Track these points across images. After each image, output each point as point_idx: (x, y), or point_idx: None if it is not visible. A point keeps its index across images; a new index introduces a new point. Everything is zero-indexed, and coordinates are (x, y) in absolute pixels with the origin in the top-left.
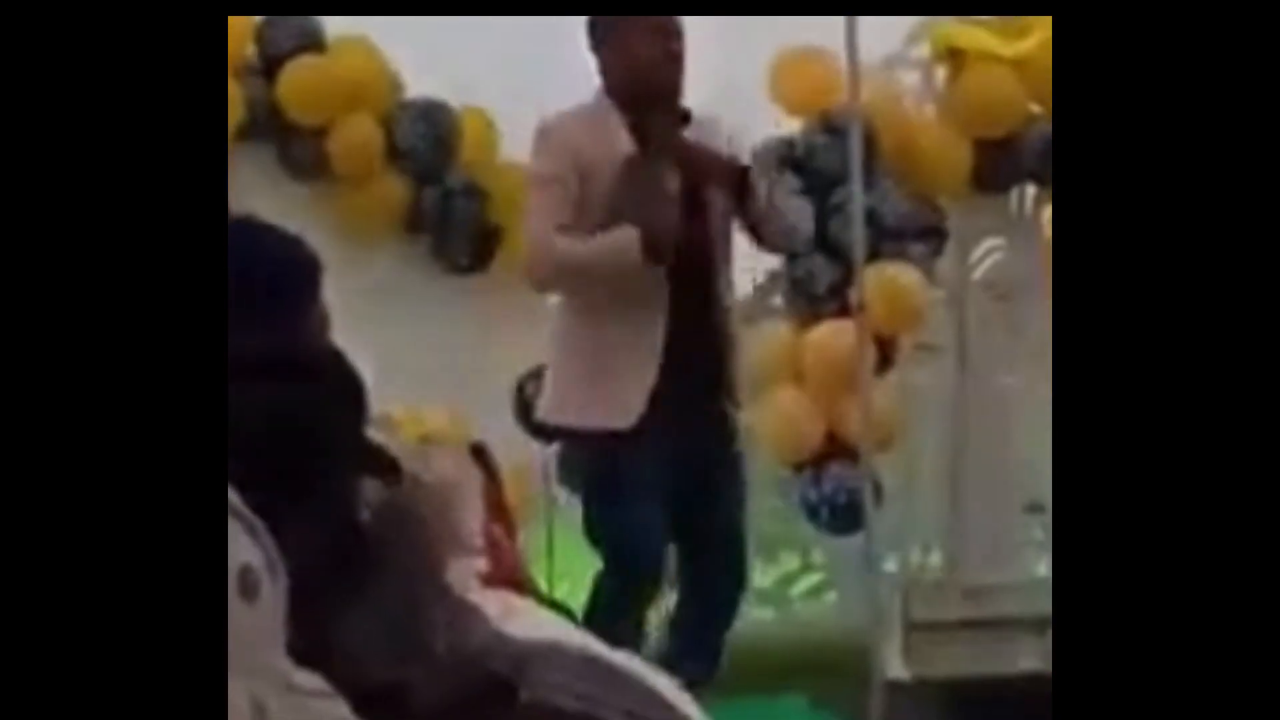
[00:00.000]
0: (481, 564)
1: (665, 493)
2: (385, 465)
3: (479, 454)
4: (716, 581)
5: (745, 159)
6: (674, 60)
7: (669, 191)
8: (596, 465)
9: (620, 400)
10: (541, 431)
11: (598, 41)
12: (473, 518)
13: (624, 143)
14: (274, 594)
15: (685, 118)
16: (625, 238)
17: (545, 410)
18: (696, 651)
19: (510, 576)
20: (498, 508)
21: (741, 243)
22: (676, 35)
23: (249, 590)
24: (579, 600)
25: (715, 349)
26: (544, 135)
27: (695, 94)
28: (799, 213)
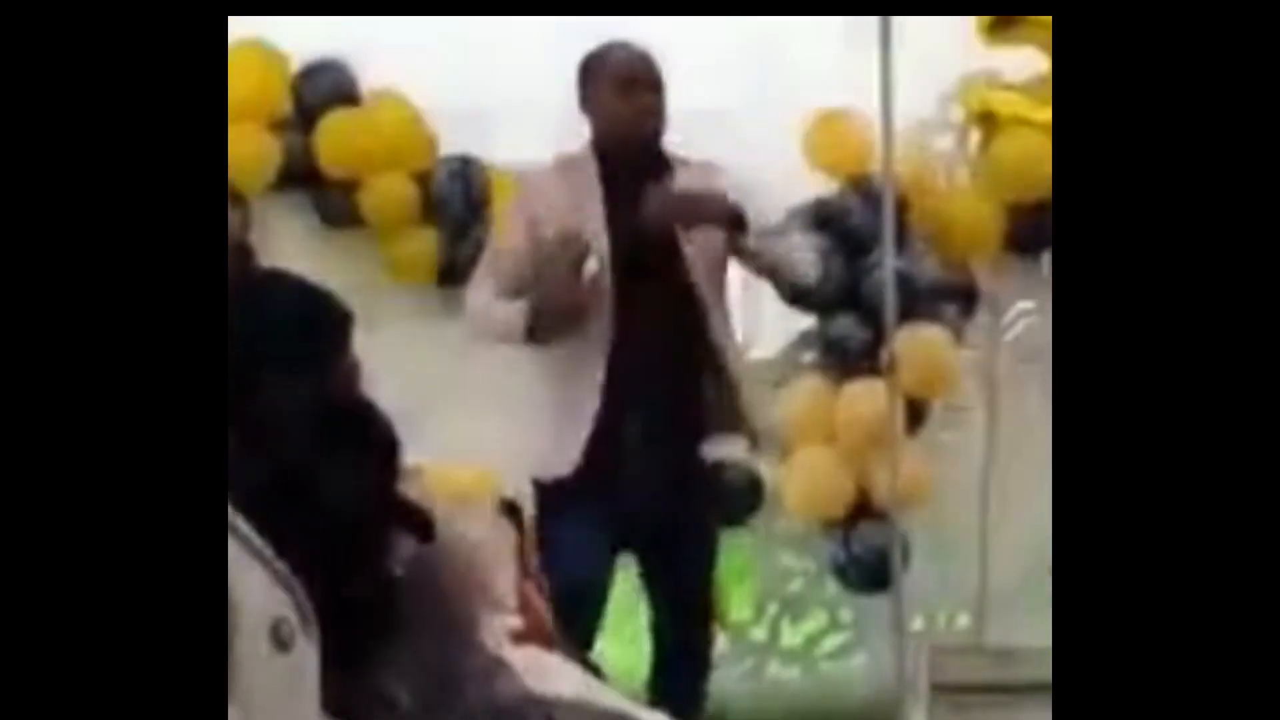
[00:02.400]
0: (514, 621)
1: (620, 544)
2: (419, 522)
3: (510, 511)
4: (689, 636)
5: (749, 206)
6: (646, 113)
7: (573, 265)
8: (541, 517)
9: (558, 446)
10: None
11: (584, 102)
12: (505, 575)
13: (593, 195)
14: (307, 647)
15: (667, 165)
16: (514, 311)
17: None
18: (675, 702)
19: (541, 633)
20: (528, 564)
21: (775, 304)
22: (651, 88)
23: (283, 642)
24: (612, 653)
25: (690, 392)
26: (516, 202)
27: (730, 150)
28: (805, 263)
